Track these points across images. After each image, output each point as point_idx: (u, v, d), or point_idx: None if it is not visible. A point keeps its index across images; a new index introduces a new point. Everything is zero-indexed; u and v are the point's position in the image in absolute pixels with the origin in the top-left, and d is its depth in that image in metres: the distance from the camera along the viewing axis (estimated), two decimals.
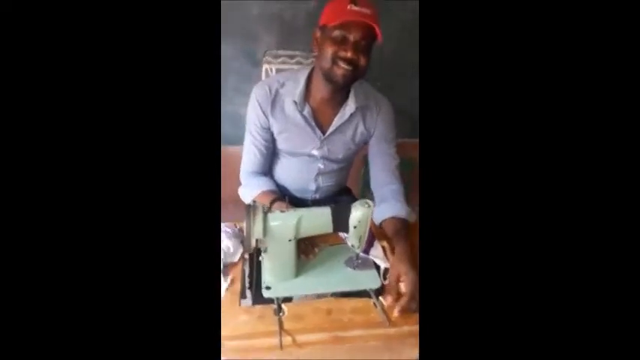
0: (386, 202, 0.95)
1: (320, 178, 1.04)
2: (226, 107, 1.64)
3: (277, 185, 1.06)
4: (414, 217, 0.92)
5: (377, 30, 0.79)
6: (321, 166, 1.01)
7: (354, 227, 0.73)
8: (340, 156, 1.00)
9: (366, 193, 1.48)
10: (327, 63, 0.83)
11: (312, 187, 1.06)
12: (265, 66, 1.28)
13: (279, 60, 1.26)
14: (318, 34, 0.86)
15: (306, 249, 0.85)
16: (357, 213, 0.72)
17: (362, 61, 0.82)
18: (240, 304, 0.73)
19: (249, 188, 0.99)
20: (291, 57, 1.26)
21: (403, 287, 0.74)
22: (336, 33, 0.80)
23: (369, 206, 0.72)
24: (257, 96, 0.94)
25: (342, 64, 0.81)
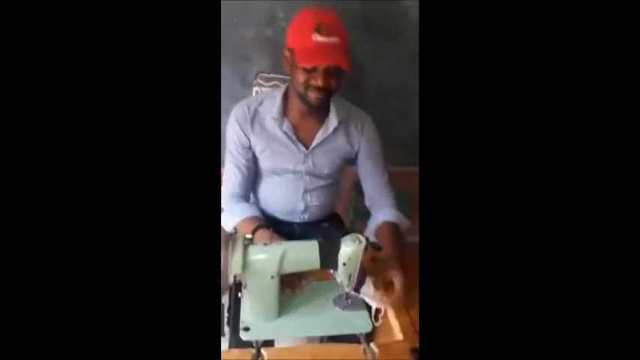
0: (379, 210, 0.97)
1: (308, 196, 1.01)
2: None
3: (265, 209, 1.04)
4: (406, 224, 0.95)
5: (344, 64, 0.80)
6: (308, 183, 0.99)
7: (344, 264, 0.67)
8: (326, 171, 0.99)
9: (356, 223, 1.43)
10: (300, 88, 0.85)
11: (301, 206, 1.02)
12: (255, 88, 1.25)
13: (271, 83, 1.23)
14: (287, 54, 0.86)
15: (292, 282, 0.79)
16: (347, 249, 0.66)
17: (334, 83, 0.84)
18: None
19: (231, 214, 0.94)
20: (283, 80, 1.23)
21: (396, 283, 0.73)
22: (305, 64, 0.80)
23: (361, 242, 0.66)
24: (236, 116, 0.95)
25: (315, 90, 0.83)
